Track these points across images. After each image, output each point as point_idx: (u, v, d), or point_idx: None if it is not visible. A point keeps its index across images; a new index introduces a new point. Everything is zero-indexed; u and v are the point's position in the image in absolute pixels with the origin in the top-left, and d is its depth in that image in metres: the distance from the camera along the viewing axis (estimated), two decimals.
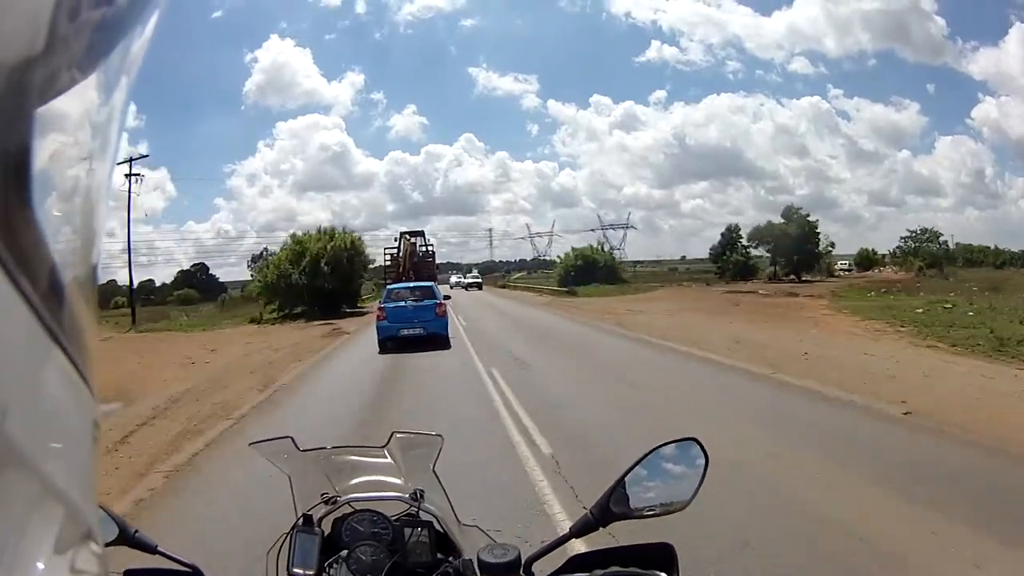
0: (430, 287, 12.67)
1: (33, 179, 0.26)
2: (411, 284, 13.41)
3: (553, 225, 58.23)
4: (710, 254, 42.16)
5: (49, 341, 0.28)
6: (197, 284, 42.09)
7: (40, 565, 0.28)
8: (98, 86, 0.30)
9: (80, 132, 0.30)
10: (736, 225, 42.58)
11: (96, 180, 0.32)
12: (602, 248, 40.90)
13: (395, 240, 26.49)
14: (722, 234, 42.39)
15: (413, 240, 25.21)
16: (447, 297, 12.54)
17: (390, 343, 11.03)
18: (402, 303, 11.61)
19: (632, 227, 55.94)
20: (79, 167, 0.30)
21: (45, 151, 0.27)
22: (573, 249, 39.07)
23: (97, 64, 0.29)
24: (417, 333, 11.10)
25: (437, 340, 11.19)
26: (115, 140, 0.33)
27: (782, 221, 39.25)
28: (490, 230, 53.97)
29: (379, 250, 29.27)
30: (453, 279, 44.88)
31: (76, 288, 0.30)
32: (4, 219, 0.25)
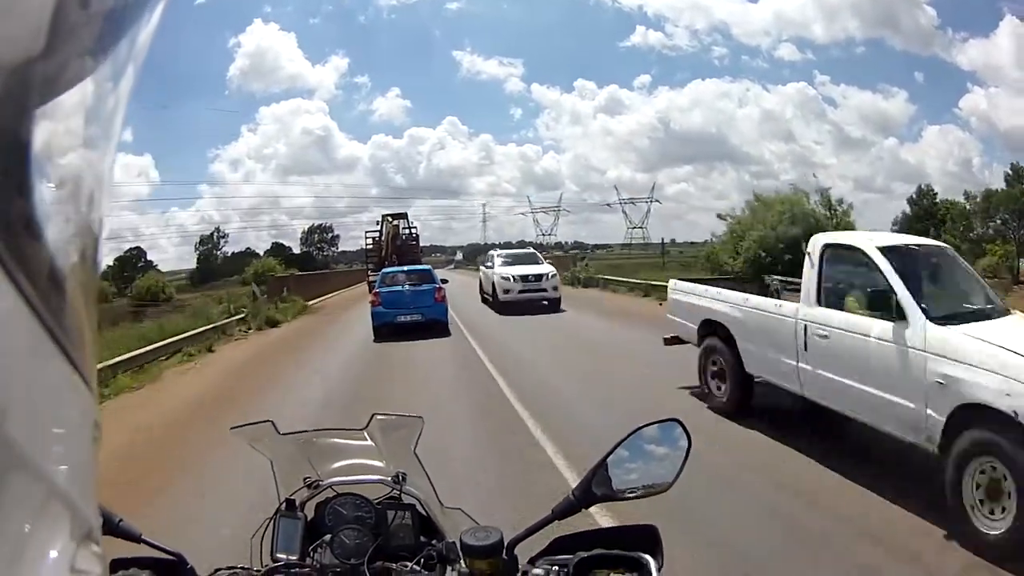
0: (427, 270, 12.20)
1: (33, 179, 0.26)
2: (407, 267, 12.81)
3: (560, 200, 49.18)
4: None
5: (49, 341, 0.28)
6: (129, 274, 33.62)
7: (40, 565, 0.28)
8: (98, 86, 0.30)
9: (80, 133, 0.30)
10: (929, 187, 28.81)
11: (96, 181, 0.32)
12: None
13: (377, 223, 25.59)
14: (911, 200, 28.36)
15: (396, 222, 24.44)
16: (444, 281, 11.91)
17: (385, 330, 10.59)
18: (398, 287, 11.12)
19: (657, 201, 46.26)
20: (79, 168, 0.30)
21: (45, 151, 0.27)
22: (760, 200, 16.60)
23: (97, 65, 0.29)
24: (415, 319, 10.68)
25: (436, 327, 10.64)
26: (115, 141, 0.33)
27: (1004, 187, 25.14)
28: (484, 204, 49.29)
29: (361, 233, 27.97)
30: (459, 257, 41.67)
31: (76, 288, 0.30)
32: (4, 219, 0.25)
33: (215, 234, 39.99)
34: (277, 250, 40.38)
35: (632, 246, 44.27)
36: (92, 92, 0.29)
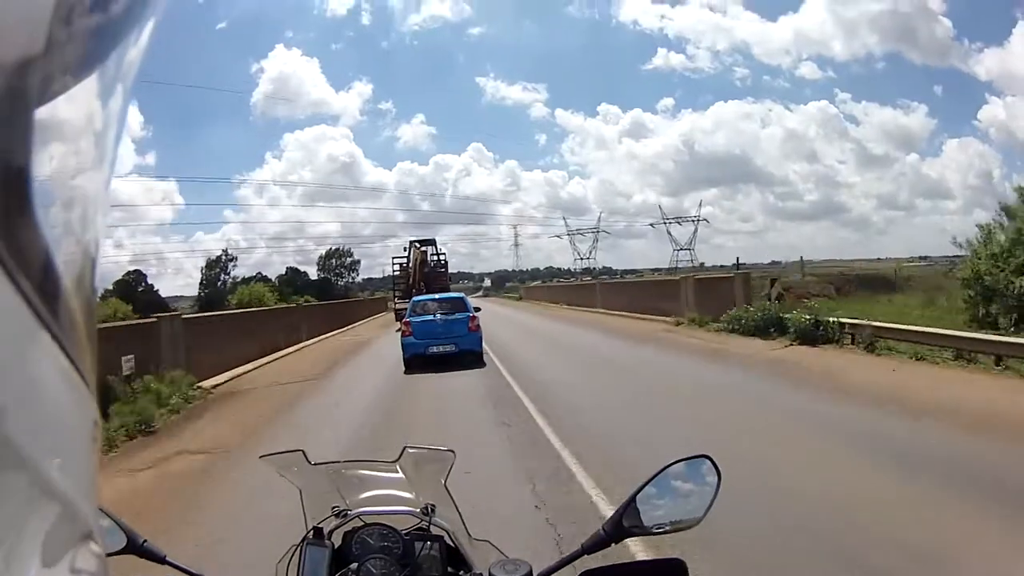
0: (461, 298, 11.93)
1: (33, 180, 0.26)
2: (439, 296, 12.62)
3: (599, 220, 46.18)
4: None
5: (49, 341, 0.28)
6: (133, 298, 32.30)
7: (39, 566, 0.28)
8: (98, 86, 0.30)
9: (80, 133, 0.30)
10: None
11: (96, 181, 0.32)
12: None
13: (404, 249, 25.52)
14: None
15: (424, 249, 24.68)
16: (478, 309, 11.57)
17: (417, 362, 10.21)
18: (430, 316, 10.80)
19: (704, 220, 42.73)
20: (79, 168, 0.31)
21: (45, 152, 0.27)
22: None
23: (97, 65, 0.30)
24: (449, 350, 10.34)
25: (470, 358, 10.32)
26: (115, 141, 0.33)
27: None
28: (515, 227, 45.69)
29: (389, 260, 27.45)
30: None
31: (76, 288, 0.30)
32: (4, 219, 0.25)
33: (223, 257, 37.71)
34: (292, 277, 38.52)
35: (678, 270, 39.67)
36: (92, 91, 0.30)
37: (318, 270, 41.87)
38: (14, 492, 0.26)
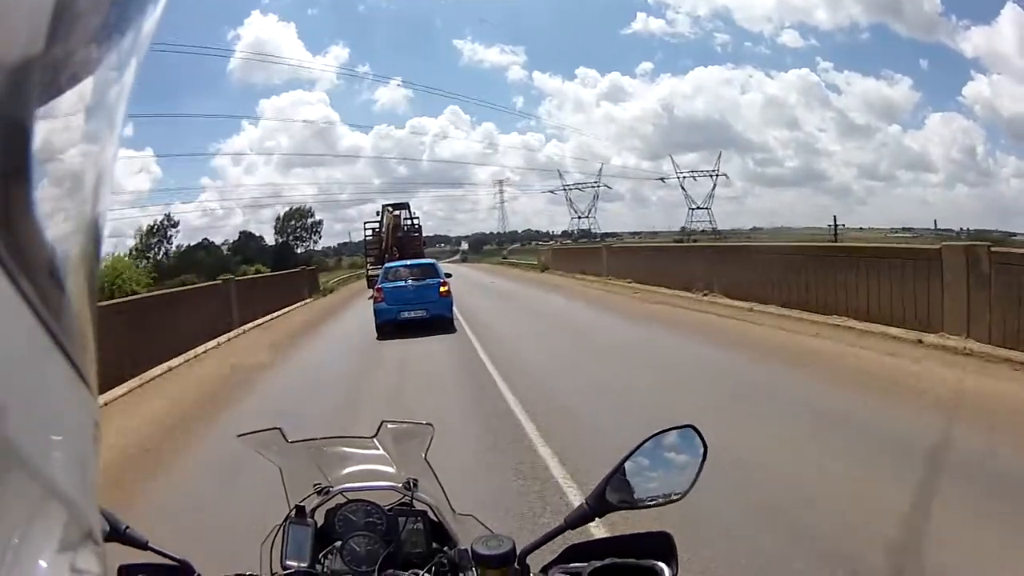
0: (432, 264, 12.03)
1: (33, 180, 0.26)
2: (411, 262, 12.63)
3: (600, 171, 39.26)
4: None
5: (49, 341, 0.28)
6: None
7: (41, 565, 0.28)
8: (99, 84, 0.30)
9: (81, 131, 0.30)
10: None
11: (97, 180, 0.32)
12: None
13: (377, 213, 24.73)
14: None
15: (396, 213, 23.98)
16: (449, 275, 11.71)
17: (389, 327, 10.39)
18: (401, 283, 10.95)
19: (724, 175, 37.13)
20: (80, 167, 0.31)
21: (46, 151, 0.27)
22: None
23: (98, 63, 0.30)
24: (419, 315, 10.49)
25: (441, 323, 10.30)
26: (115, 142, 0.33)
27: None
28: (500, 183, 40.13)
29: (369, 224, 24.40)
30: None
31: (76, 288, 0.30)
32: (4, 219, 0.25)
33: (164, 223, 31.74)
34: (244, 242, 33.98)
35: (696, 233, 35.10)
36: (93, 91, 0.30)
37: (275, 234, 36.95)
38: (16, 492, 0.27)
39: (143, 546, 0.95)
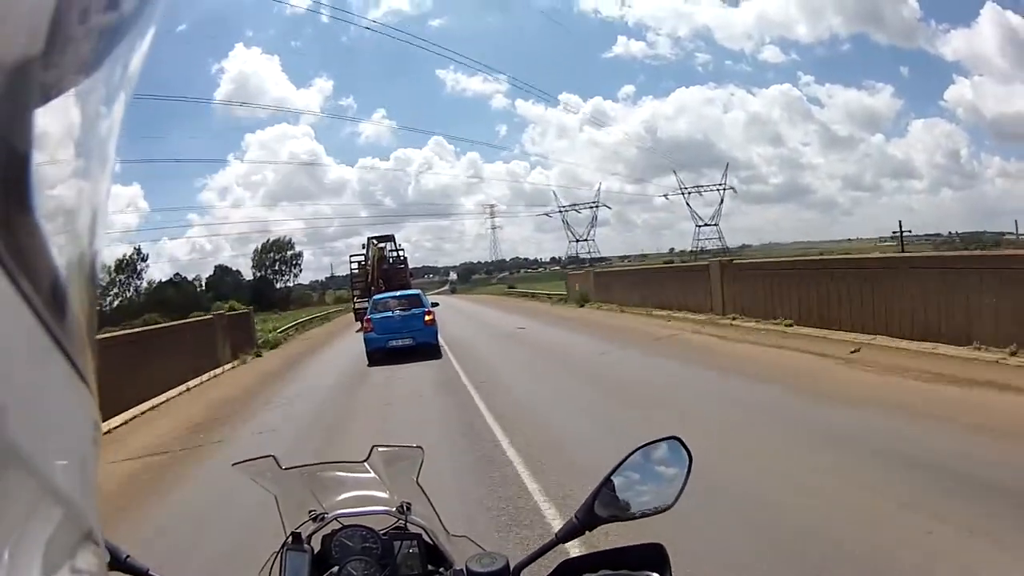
0: (417, 295, 12.64)
1: (33, 180, 0.27)
2: (398, 293, 13.33)
3: (599, 191, 37.19)
4: None
5: (50, 342, 0.28)
6: None
7: (41, 567, 0.28)
8: (98, 87, 0.30)
9: (80, 133, 0.31)
10: None
11: (96, 181, 0.32)
12: None
13: (362, 247, 24.64)
14: None
15: (382, 245, 24.00)
16: (435, 304, 12.41)
17: (379, 355, 10.95)
18: (389, 313, 11.55)
19: (731, 188, 35.58)
20: (79, 168, 0.31)
21: (45, 152, 0.28)
22: None
23: (98, 66, 0.30)
24: (407, 344, 11.06)
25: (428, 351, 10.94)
26: (116, 142, 0.33)
27: None
28: (491, 207, 40.30)
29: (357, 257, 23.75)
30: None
31: (77, 289, 0.31)
32: (4, 220, 0.25)
33: (134, 257, 29.51)
34: (220, 277, 31.86)
35: (700, 253, 32.49)
36: (92, 90, 0.30)
37: (253, 268, 35.05)
38: (15, 493, 0.27)
39: (143, 574, 0.95)
